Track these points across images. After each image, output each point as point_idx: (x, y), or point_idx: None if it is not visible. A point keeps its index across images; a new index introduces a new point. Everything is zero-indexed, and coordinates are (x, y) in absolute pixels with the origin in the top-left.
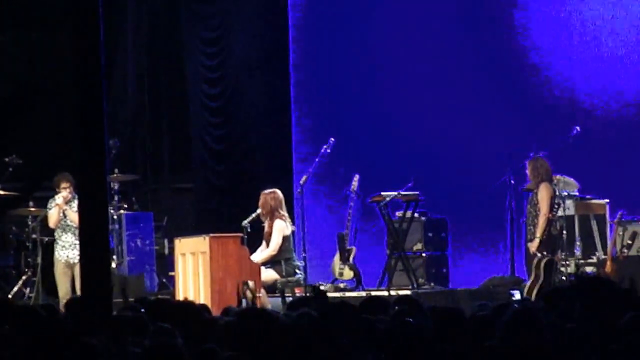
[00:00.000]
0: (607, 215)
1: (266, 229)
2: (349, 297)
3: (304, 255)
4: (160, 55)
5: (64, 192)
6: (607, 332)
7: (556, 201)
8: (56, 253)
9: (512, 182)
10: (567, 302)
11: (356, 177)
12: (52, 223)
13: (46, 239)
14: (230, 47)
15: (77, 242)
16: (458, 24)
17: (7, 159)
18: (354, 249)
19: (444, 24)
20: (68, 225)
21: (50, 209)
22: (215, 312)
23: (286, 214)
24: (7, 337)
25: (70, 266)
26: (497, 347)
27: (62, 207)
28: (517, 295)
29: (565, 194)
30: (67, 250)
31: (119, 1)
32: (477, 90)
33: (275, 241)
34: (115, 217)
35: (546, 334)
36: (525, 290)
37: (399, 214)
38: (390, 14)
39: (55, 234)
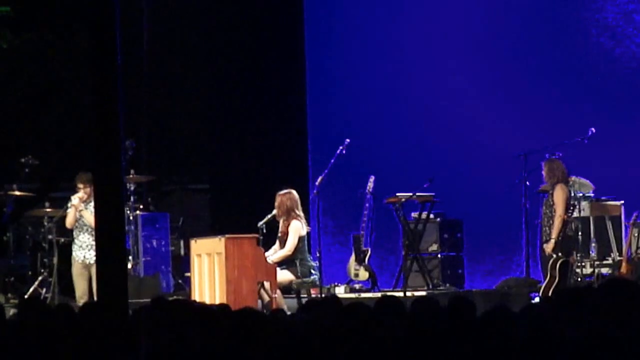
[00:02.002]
0: (623, 217)
1: (281, 228)
2: (365, 298)
3: (318, 255)
4: (175, 56)
5: (80, 193)
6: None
7: (571, 202)
8: (73, 253)
9: (528, 183)
10: (591, 303)
11: (372, 178)
12: (68, 224)
13: (62, 239)
14: (245, 48)
15: (94, 242)
16: (471, 27)
17: (23, 160)
18: (369, 250)
19: (457, 25)
20: (85, 226)
21: (68, 208)
22: None
23: (302, 214)
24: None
25: (87, 266)
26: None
27: (78, 208)
28: (537, 299)
29: (581, 195)
30: (84, 250)
31: (134, 2)
32: (492, 91)
33: (292, 241)
34: (131, 217)
35: (567, 335)
36: (541, 291)
37: (414, 215)
38: (404, 15)
39: (74, 233)
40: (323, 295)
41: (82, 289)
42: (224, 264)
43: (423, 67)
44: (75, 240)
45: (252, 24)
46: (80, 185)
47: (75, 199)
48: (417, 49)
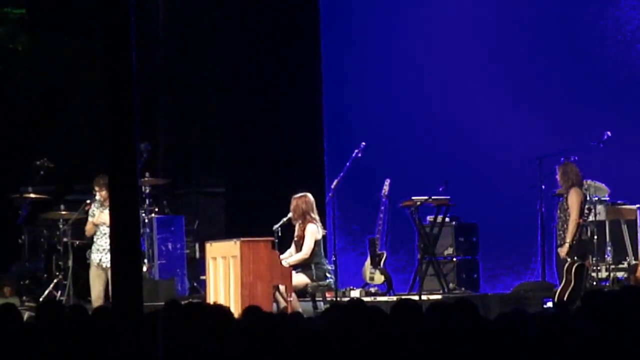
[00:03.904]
0: (638, 221)
1: (297, 232)
2: (380, 301)
3: (334, 259)
4: (191, 58)
5: (95, 206)
6: None
7: (587, 206)
8: (91, 255)
9: (543, 187)
10: (608, 308)
11: (387, 182)
12: (87, 233)
13: (77, 242)
14: (261, 50)
15: None
16: (487, 30)
17: (38, 162)
18: (384, 253)
19: (472, 29)
20: (104, 231)
21: (89, 216)
22: None
23: (317, 218)
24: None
25: (103, 269)
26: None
27: (97, 223)
28: (550, 304)
29: (596, 199)
30: (101, 253)
31: (150, 3)
32: (508, 95)
33: (308, 245)
34: (146, 220)
35: (584, 340)
36: (556, 295)
37: (430, 218)
38: (420, 19)
39: (93, 237)
40: (347, 298)
41: (97, 291)
42: (239, 267)
43: (439, 71)
44: (94, 244)
45: (268, 28)
46: (97, 188)
47: (92, 213)
48: (433, 53)
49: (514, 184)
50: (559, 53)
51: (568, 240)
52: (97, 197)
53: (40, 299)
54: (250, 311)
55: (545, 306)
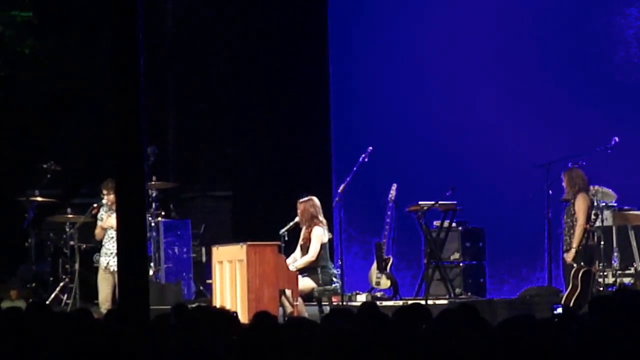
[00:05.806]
0: None
1: (303, 235)
2: (386, 306)
3: (340, 263)
4: (200, 63)
5: (103, 210)
6: None
7: (594, 212)
8: (100, 258)
9: (550, 192)
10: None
11: (394, 186)
12: (97, 236)
13: (84, 245)
14: (269, 55)
15: None
16: (494, 36)
17: (45, 166)
18: (391, 258)
19: (479, 35)
20: (113, 234)
21: (98, 220)
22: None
23: (324, 221)
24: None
25: (111, 273)
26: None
27: (105, 227)
28: (559, 310)
29: (603, 204)
30: (108, 257)
31: (158, 6)
32: (515, 100)
33: (314, 248)
34: (153, 224)
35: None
36: (563, 300)
37: (436, 223)
38: (426, 24)
39: (102, 240)
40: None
41: (105, 294)
42: (245, 271)
43: (446, 75)
44: (102, 247)
45: (276, 33)
46: (105, 192)
47: (101, 217)
48: (439, 58)
49: (521, 189)
50: (567, 58)
51: (574, 245)
52: (105, 201)
53: (47, 302)
54: (258, 316)
55: (555, 312)
